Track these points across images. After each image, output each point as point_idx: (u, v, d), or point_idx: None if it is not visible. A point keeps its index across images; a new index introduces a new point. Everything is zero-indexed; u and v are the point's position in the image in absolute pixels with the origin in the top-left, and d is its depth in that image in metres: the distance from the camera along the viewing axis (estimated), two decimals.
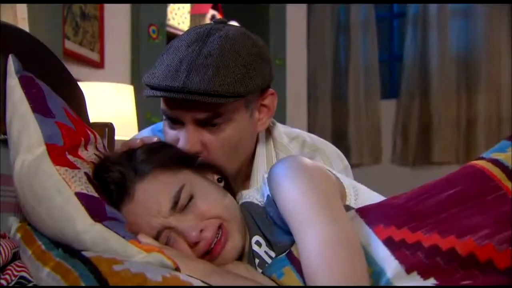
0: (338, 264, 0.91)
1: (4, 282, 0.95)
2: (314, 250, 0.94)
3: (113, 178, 1.06)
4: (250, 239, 1.10)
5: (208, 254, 1.05)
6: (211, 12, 3.76)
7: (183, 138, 1.24)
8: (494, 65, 3.96)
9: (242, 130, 1.28)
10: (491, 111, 3.97)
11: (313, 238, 0.95)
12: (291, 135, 1.43)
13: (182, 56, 1.21)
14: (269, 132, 1.41)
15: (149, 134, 1.47)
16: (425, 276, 0.89)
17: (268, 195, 1.10)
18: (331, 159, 1.41)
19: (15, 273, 0.97)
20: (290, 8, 4.42)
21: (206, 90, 1.17)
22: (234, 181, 1.22)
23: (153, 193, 1.05)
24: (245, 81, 1.22)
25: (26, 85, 1.09)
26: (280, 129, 1.43)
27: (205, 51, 1.21)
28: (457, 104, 4.06)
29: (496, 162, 0.98)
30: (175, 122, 1.26)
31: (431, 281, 0.88)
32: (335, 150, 1.46)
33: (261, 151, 1.37)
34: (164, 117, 1.30)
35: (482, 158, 1.01)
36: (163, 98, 1.25)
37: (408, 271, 0.90)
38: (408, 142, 4.19)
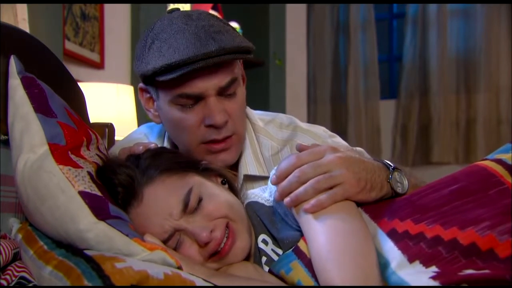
0: (349, 252, 0.93)
1: (4, 282, 0.95)
2: (325, 239, 0.96)
3: (121, 180, 1.06)
4: (256, 237, 1.11)
5: (217, 254, 1.06)
6: (211, 12, 3.76)
7: (209, 111, 1.27)
8: (493, 66, 3.96)
9: (244, 94, 1.36)
10: (490, 111, 3.97)
11: (324, 228, 0.97)
12: (265, 119, 1.45)
13: (191, 31, 1.24)
14: (246, 115, 1.44)
15: (146, 130, 1.49)
16: (427, 265, 0.90)
17: (275, 192, 1.11)
18: (317, 134, 1.42)
19: (16, 273, 0.97)
20: (290, 8, 4.43)
21: (239, 47, 1.25)
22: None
23: (163, 197, 1.06)
24: (247, 40, 1.31)
25: (28, 85, 1.10)
26: (253, 112, 1.47)
27: (205, 24, 1.26)
28: (457, 104, 4.07)
29: (499, 161, 1.01)
30: (194, 100, 1.27)
31: (433, 269, 0.89)
32: (322, 128, 1.47)
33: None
34: (175, 106, 1.29)
35: (486, 159, 1.04)
36: (184, 77, 1.24)
37: (411, 260, 0.92)
38: (408, 143, 4.20)
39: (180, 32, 1.24)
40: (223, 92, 1.28)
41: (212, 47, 1.21)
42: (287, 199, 1.04)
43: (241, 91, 1.34)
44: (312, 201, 1.01)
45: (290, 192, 1.04)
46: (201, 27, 1.24)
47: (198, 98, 1.27)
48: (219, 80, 1.26)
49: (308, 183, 1.03)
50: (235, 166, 1.39)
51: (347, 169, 1.03)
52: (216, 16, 1.32)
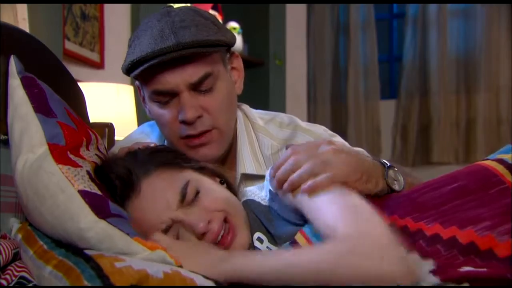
0: (360, 222, 0.93)
1: (4, 282, 0.95)
2: (331, 213, 0.96)
3: (119, 173, 1.07)
4: (252, 235, 1.11)
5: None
6: (211, 12, 3.76)
7: (182, 106, 1.26)
8: (493, 66, 3.96)
9: (229, 89, 1.33)
10: (490, 111, 3.97)
11: (328, 204, 0.98)
12: (265, 118, 1.45)
13: (159, 28, 1.24)
14: (243, 113, 1.44)
15: (147, 129, 1.50)
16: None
17: (270, 190, 1.11)
18: (317, 133, 1.41)
19: (16, 273, 0.97)
20: (290, 8, 4.43)
21: (199, 41, 1.22)
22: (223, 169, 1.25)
23: (160, 189, 1.07)
24: (223, 32, 1.30)
25: (28, 85, 1.10)
26: (252, 110, 1.46)
27: (177, 19, 1.25)
28: (457, 104, 4.07)
29: (500, 161, 1.01)
30: (169, 96, 1.27)
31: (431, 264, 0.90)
32: (322, 127, 1.47)
33: (242, 134, 1.40)
34: (154, 102, 1.30)
35: (487, 159, 1.04)
36: (154, 74, 1.25)
37: None
38: (408, 143, 4.20)
39: (149, 29, 1.25)
40: (197, 88, 1.27)
41: (169, 42, 1.21)
42: (284, 185, 1.05)
43: (222, 86, 1.30)
44: (309, 182, 1.01)
45: (286, 181, 1.05)
46: (170, 23, 1.24)
47: (172, 94, 1.27)
48: (189, 76, 1.25)
49: (302, 168, 1.04)
50: (233, 165, 1.39)
51: (342, 160, 1.05)
52: (199, 12, 1.31)
